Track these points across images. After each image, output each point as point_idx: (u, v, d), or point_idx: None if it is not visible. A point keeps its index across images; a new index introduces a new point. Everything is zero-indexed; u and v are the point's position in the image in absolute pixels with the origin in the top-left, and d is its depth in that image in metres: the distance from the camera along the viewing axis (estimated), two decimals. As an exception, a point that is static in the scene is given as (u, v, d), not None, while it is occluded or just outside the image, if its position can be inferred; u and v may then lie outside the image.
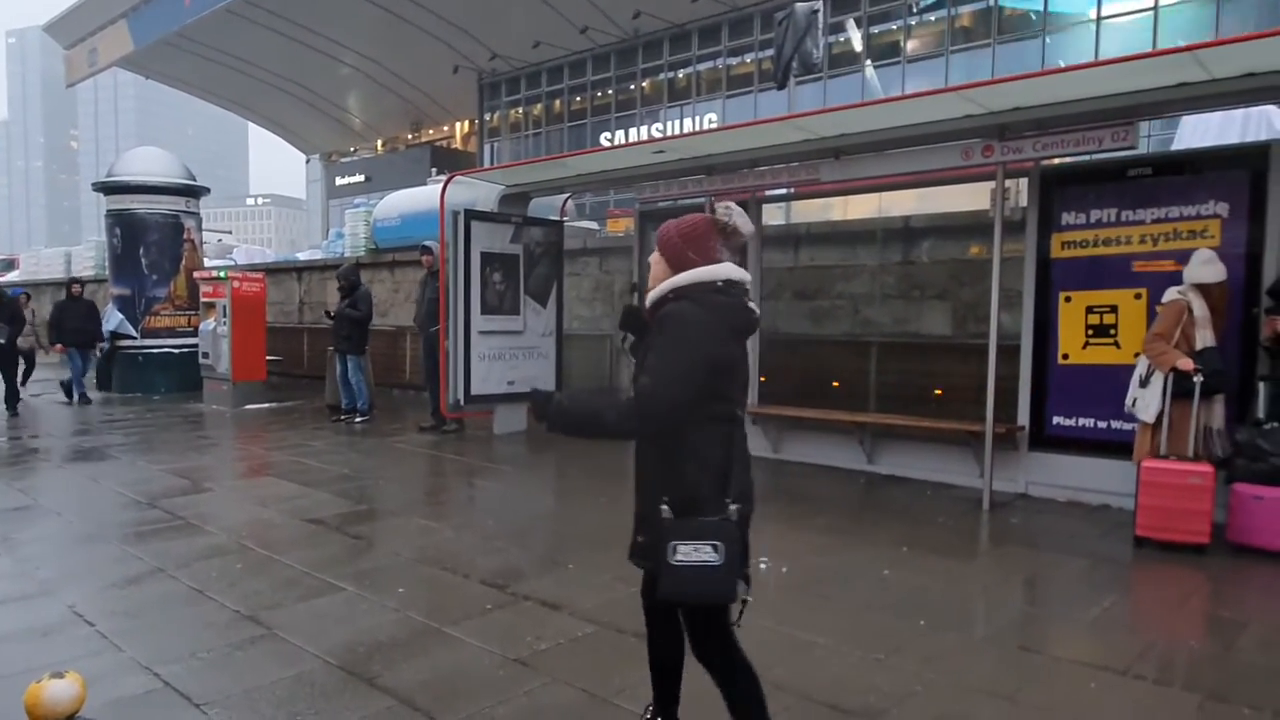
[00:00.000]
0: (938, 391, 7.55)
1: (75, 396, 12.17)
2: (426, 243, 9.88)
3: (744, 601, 2.58)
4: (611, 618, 4.10)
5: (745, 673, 2.71)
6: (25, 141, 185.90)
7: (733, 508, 2.50)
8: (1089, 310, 6.34)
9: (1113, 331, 6.23)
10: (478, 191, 10.05)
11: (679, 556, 2.44)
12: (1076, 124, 5.93)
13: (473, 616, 4.14)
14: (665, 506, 2.51)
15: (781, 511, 6.58)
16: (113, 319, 13.07)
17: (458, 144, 38.37)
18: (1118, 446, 6.15)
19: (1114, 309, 6.22)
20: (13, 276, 27.23)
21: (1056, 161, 6.51)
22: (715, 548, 2.43)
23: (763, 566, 5.03)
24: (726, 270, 2.57)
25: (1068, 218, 6.43)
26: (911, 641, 3.87)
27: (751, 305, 2.65)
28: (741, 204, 8.21)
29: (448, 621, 4.07)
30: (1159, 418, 5.39)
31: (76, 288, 12.81)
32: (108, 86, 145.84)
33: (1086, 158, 6.34)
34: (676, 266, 2.59)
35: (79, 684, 1.42)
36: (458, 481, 7.63)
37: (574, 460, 8.47)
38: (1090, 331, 6.33)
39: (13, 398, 11.32)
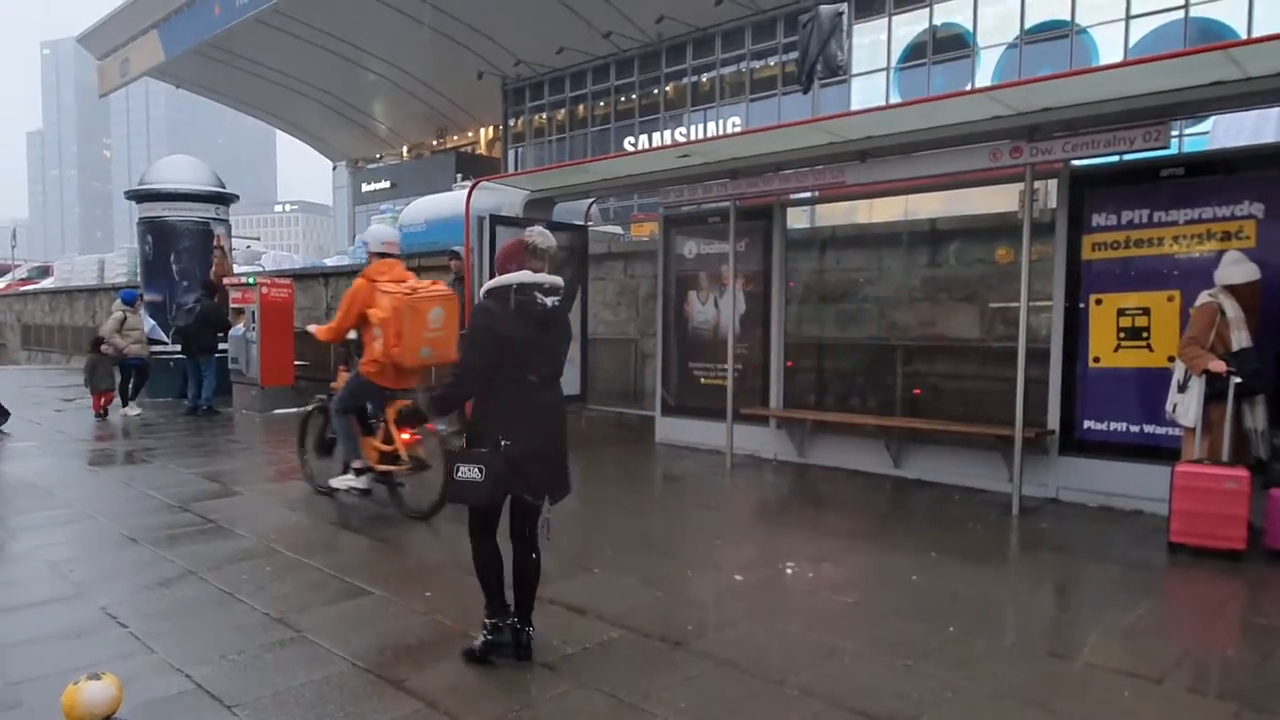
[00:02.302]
0: (962, 396, 7.48)
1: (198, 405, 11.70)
2: (455, 248, 9.93)
3: (546, 521, 3.71)
4: (637, 622, 4.09)
5: (489, 555, 3.72)
6: (60, 151, 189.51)
7: (504, 444, 3.47)
8: (1120, 313, 6.25)
9: (1145, 334, 6.14)
10: (503, 197, 10.10)
11: (458, 474, 3.49)
12: (1107, 124, 5.86)
13: (499, 620, 4.14)
14: (464, 440, 3.63)
15: (807, 516, 6.56)
16: (145, 324, 13.24)
17: (482, 150, 38.56)
18: (1151, 451, 6.07)
19: (1146, 311, 6.13)
20: (48, 283, 27.75)
21: (1086, 162, 6.43)
22: (480, 470, 3.45)
23: (789, 571, 5.01)
24: (520, 277, 3.57)
25: (1098, 219, 6.35)
26: (940, 648, 3.83)
27: (545, 301, 3.65)
28: (766, 208, 8.24)
29: (474, 625, 4.05)
30: (1201, 422, 5.31)
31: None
32: (139, 96, 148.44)
33: (1117, 158, 6.26)
34: (499, 275, 3.64)
35: (115, 686, 1.43)
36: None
37: (599, 464, 8.48)
38: (1122, 334, 6.24)
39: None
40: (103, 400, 11.25)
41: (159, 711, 3.21)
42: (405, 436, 6.08)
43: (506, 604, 3.73)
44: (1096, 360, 6.39)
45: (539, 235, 3.64)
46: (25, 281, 31.41)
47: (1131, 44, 19.40)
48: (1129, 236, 6.22)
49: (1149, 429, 6.13)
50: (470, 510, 3.67)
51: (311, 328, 7.16)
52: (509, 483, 3.52)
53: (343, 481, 6.34)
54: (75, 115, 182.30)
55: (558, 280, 3.68)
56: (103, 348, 11.20)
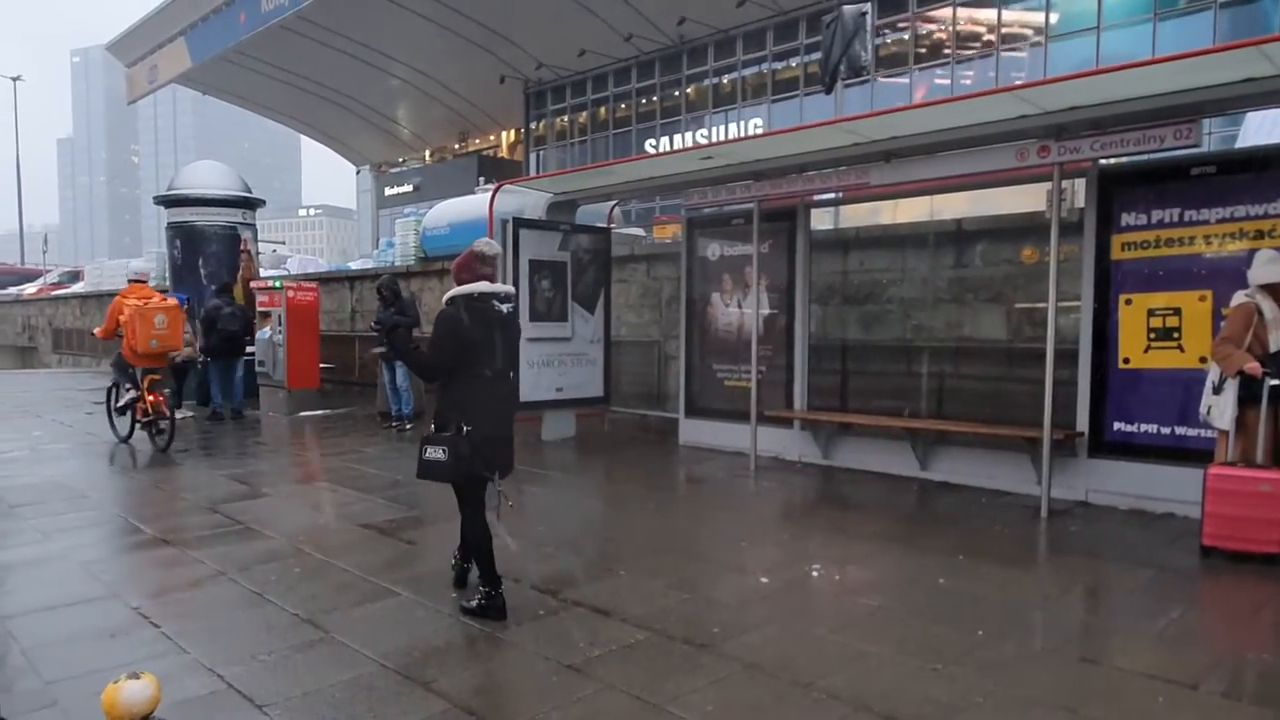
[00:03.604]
0: (990, 398, 7.42)
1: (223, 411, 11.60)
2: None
3: (500, 493, 4.28)
4: (663, 625, 4.09)
5: (481, 532, 4.28)
6: (89, 157, 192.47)
7: (466, 429, 4.07)
8: (1151, 313, 6.17)
9: (1176, 335, 6.06)
10: (525, 200, 10.14)
11: (425, 454, 4.12)
12: (1136, 123, 5.79)
13: (525, 622, 4.16)
14: (433, 426, 4.20)
15: (833, 518, 6.53)
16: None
17: (504, 153, 38.75)
18: (1183, 453, 5.99)
19: (1177, 311, 6.05)
20: (78, 288, 28.18)
21: (1115, 161, 6.36)
22: (444, 451, 4.06)
23: (815, 574, 4.98)
24: (479, 286, 4.16)
25: (1128, 218, 6.27)
26: (969, 652, 3.79)
27: (501, 307, 4.22)
28: (790, 209, 8.22)
29: (501, 626, 4.09)
30: (1236, 424, 5.23)
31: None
32: (167, 103, 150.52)
33: (1146, 157, 6.18)
34: (457, 284, 4.20)
35: (154, 685, 1.45)
36: (507, 488, 7.67)
37: (622, 466, 8.49)
38: (1152, 335, 6.16)
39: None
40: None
41: (192, 711, 3.25)
42: (151, 397, 8.86)
43: (499, 575, 4.27)
44: (1126, 361, 6.31)
45: (486, 245, 4.28)
46: (56, 286, 31.91)
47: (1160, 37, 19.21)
48: (1159, 236, 6.14)
49: (1181, 431, 6.04)
50: (458, 495, 4.29)
51: (97, 330, 9.59)
52: (470, 462, 4.08)
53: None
54: (104, 122, 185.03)
55: (510, 289, 4.37)
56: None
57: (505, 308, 4.27)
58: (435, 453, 4.09)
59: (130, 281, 9.31)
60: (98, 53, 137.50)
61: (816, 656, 3.78)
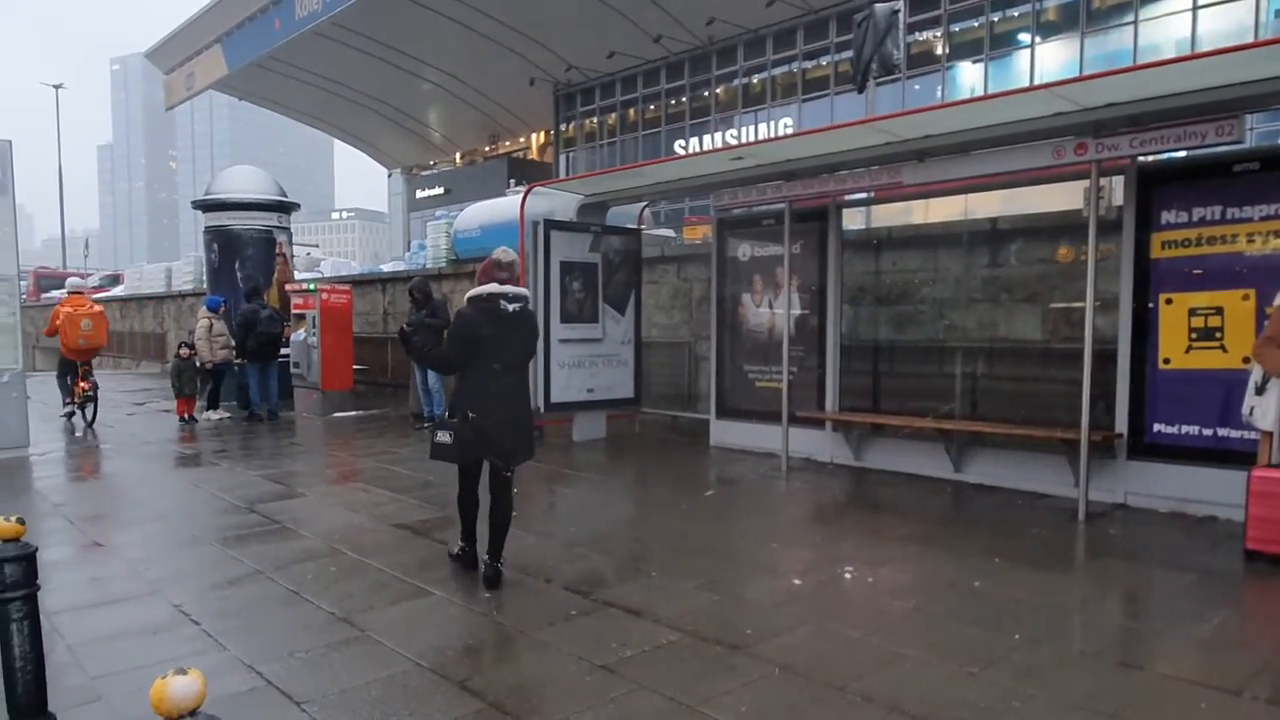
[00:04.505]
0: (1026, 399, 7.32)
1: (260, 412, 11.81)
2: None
3: (503, 469, 4.75)
4: (696, 626, 4.08)
5: (465, 499, 4.93)
6: (129, 163, 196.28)
7: (471, 417, 4.53)
8: (1192, 312, 6.05)
9: (1218, 334, 5.94)
10: (556, 202, 10.18)
11: (436, 438, 4.64)
12: (1177, 119, 5.68)
13: (557, 622, 4.18)
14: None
15: (865, 520, 6.48)
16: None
17: (534, 155, 38.95)
18: (1225, 455, 5.87)
19: (1219, 311, 5.93)
20: (118, 291, 28.74)
21: (1154, 158, 6.25)
22: (450, 435, 4.56)
23: (848, 576, 4.95)
24: (489, 288, 4.59)
25: (1168, 216, 6.16)
26: (1006, 656, 3.75)
27: (508, 306, 4.59)
28: (821, 209, 8.17)
29: (534, 626, 4.12)
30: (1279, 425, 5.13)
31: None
32: (204, 109, 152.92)
33: (1187, 153, 6.07)
34: (477, 286, 4.67)
35: (200, 681, 1.48)
36: (538, 489, 7.71)
37: (654, 467, 8.50)
38: (1194, 335, 6.04)
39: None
40: (187, 405, 11.52)
41: (233, 707, 3.30)
42: (83, 385, 10.83)
43: (473, 534, 4.94)
44: (1167, 362, 6.20)
45: (503, 253, 4.75)
46: (97, 289, 32.59)
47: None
48: (1200, 234, 6.02)
49: (1223, 432, 5.92)
50: (459, 473, 4.88)
51: (45, 330, 11.43)
52: (475, 447, 4.59)
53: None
54: (143, 129, 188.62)
55: (521, 290, 4.71)
56: (183, 351, 11.52)
57: (514, 308, 4.62)
58: (444, 436, 4.58)
59: (69, 293, 11.23)
60: (137, 61, 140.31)
61: (850, 659, 3.75)
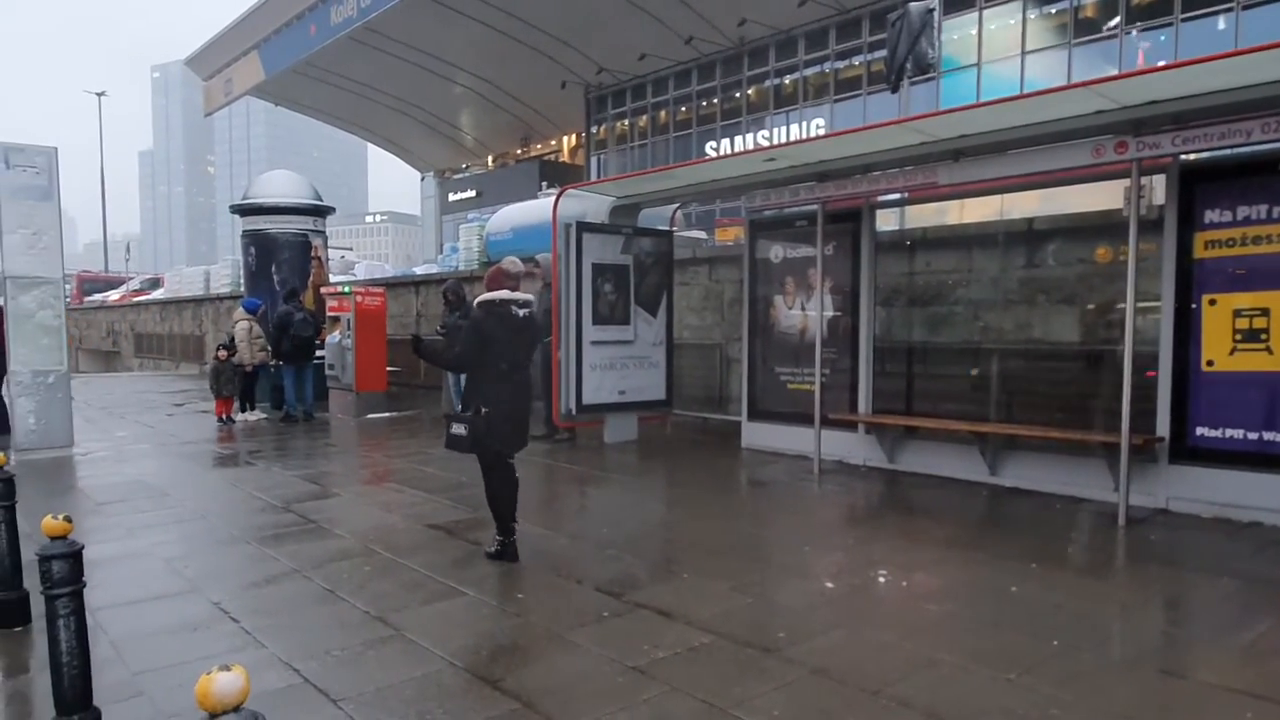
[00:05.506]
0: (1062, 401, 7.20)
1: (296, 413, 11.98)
2: (536, 256, 10.07)
3: (507, 456, 5.22)
4: (728, 628, 4.07)
5: (497, 489, 5.22)
6: (168, 168, 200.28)
7: (484, 410, 4.96)
8: (1237, 314, 5.92)
9: (1264, 336, 5.80)
10: (588, 204, 10.20)
11: (451, 430, 5.08)
12: (1220, 116, 5.56)
13: (589, 624, 4.18)
14: (458, 407, 5.42)
15: (899, 523, 6.41)
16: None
17: (565, 157, 39.08)
18: (1270, 459, 5.74)
19: (1265, 312, 5.79)
20: (158, 294, 29.30)
21: (1196, 156, 6.12)
22: (464, 427, 5.00)
23: (882, 579, 4.91)
24: (500, 294, 5.04)
25: (1211, 216, 6.03)
26: (1044, 662, 3.69)
27: (517, 311, 5.08)
28: (854, 210, 8.11)
29: (566, 627, 4.13)
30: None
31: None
32: (241, 115, 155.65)
33: (1231, 151, 5.93)
34: (486, 291, 5.07)
35: (244, 678, 1.50)
36: (571, 490, 7.74)
37: (685, 469, 8.48)
38: (1239, 336, 5.91)
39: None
40: (225, 406, 11.71)
41: (272, 704, 3.34)
42: None
43: (511, 527, 5.17)
44: (1210, 364, 6.07)
45: (510, 263, 5.21)
46: (138, 293, 33.29)
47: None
48: (1245, 233, 5.89)
49: (1269, 436, 5.79)
50: (481, 464, 5.19)
51: None
52: (486, 438, 5.00)
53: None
54: (182, 135, 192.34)
55: (528, 296, 5.18)
56: (221, 354, 11.70)
57: (522, 312, 5.10)
58: (458, 429, 5.03)
59: None
60: (176, 68, 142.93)
61: (885, 663, 3.72)
